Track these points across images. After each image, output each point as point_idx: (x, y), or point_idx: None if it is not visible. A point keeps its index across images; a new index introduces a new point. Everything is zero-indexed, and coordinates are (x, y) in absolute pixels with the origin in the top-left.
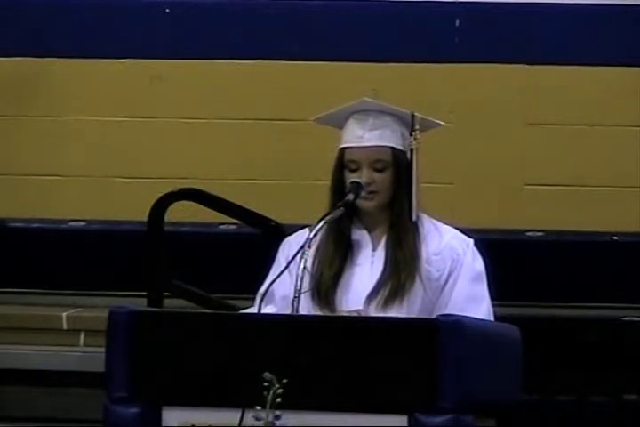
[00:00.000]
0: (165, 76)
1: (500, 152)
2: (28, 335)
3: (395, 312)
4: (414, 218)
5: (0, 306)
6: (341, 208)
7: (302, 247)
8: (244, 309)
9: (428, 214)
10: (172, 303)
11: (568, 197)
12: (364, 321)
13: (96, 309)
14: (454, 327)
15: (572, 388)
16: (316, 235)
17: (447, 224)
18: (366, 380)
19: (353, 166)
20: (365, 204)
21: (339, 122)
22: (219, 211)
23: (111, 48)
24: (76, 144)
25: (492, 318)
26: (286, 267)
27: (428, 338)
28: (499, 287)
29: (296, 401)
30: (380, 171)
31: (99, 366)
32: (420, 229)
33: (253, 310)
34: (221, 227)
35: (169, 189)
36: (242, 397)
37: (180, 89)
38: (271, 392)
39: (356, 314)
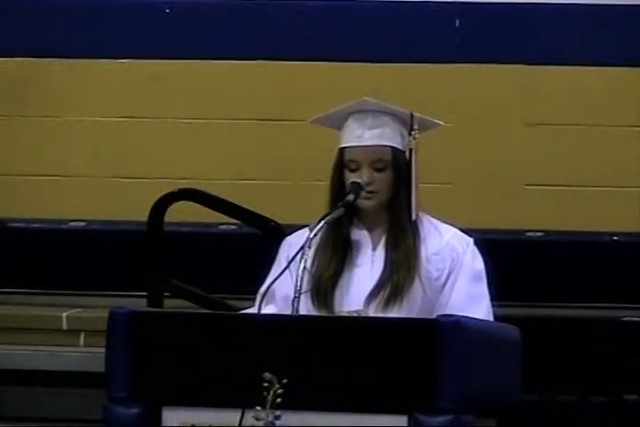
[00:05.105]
0: (165, 77)
1: (500, 152)
2: (28, 335)
3: (395, 312)
4: (414, 217)
5: (0, 306)
6: (342, 208)
7: (302, 248)
8: (244, 309)
9: (428, 214)
10: (172, 303)
11: (568, 197)
12: (364, 321)
13: (96, 309)
14: (454, 327)
15: (572, 388)
16: (316, 235)
17: (447, 224)
18: (366, 380)
19: (353, 166)
20: (365, 203)
21: (336, 123)
22: (219, 211)
23: (111, 48)
24: (76, 144)
25: (491, 318)
26: (286, 267)
27: (428, 338)
28: (499, 287)
29: (296, 401)
30: (380, 170)
31: (99, 366)
32: (420, 229)
33: (253, 310)
34: (221, 227)
35: (169, 189)
36: (242, 397)
37: (180, 89)
38: (271, 392)
39: (356, 314)
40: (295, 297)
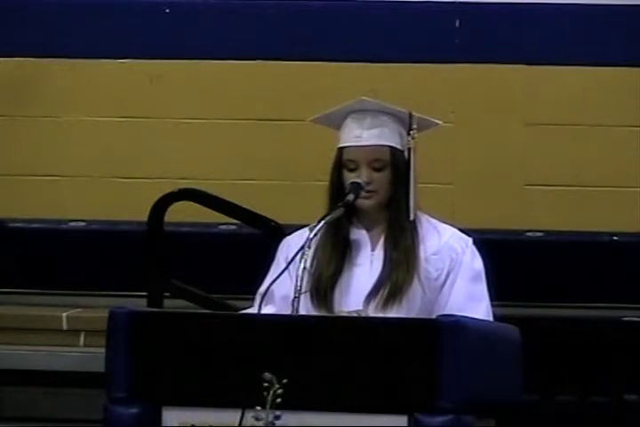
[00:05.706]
0: (165, 76)
1: (500, 152)
2: (28, 335)
3: (394, 312)
4: (412, 217)
5: (0, 306)
6: (341, 208)
7: (302, 248)
8: (244, 309)
9: (427, 214)
10: (172, 303)
11: (568, 197)
12: (364, 321)
13: (96, 309)
14: (454, 327)
15: (572, 388)
16: (315, 235)
17: (447, 224)
18: (366, 380)
19: (351, 166)
20: (364, 202)
21: (335, 122)
22: (219, 211)
23: (111, 48)
24: (76, 144)
25: (491, 318)
26: (286, 267)
27: (428, 338)
28: (499, 287)
29: (296, 401)
30: (378, 170)
31: (99, 366)
32: (419, 229)
33: (253, 310)
34: (221, 227)
35: (169, 189)
36: (242, 397)
37: (179, 89)
38: (271, 392)
39: (355, 314)
40: (295, 297)
